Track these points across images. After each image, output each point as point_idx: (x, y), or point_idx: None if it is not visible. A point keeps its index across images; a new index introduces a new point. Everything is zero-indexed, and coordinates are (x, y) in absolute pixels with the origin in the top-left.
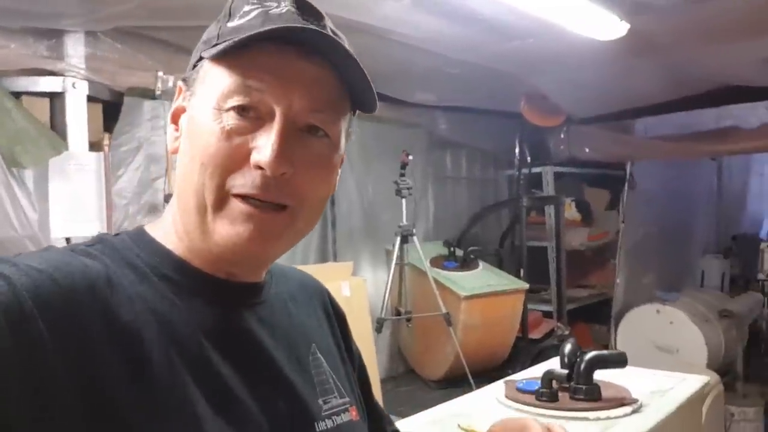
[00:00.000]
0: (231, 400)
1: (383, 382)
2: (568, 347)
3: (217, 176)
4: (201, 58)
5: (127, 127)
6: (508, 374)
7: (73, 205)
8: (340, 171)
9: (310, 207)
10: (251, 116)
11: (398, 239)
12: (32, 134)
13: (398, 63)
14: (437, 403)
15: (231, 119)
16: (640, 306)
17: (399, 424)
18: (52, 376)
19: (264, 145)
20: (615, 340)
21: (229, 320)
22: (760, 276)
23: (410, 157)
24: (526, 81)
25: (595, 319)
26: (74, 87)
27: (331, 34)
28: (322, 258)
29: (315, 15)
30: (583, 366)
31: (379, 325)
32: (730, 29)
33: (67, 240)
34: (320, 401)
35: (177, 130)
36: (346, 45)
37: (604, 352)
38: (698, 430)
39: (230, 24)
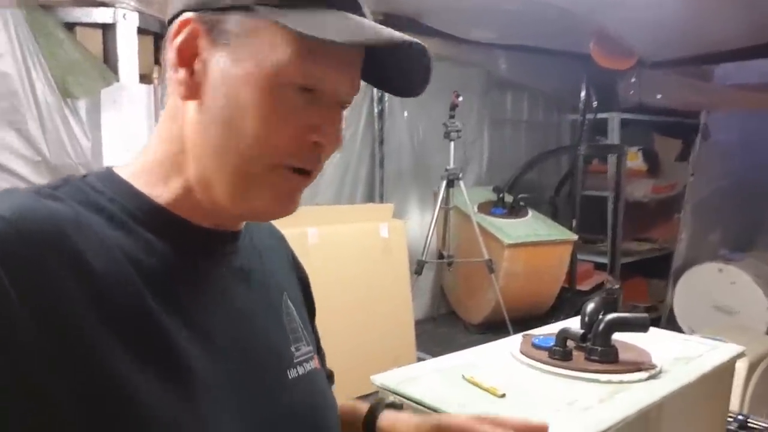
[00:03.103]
0: (209, 344)
1: (423, 322)
2: (590, 306)
3: (277, 155)
4: (249, 9)
5: None
6: (551, 323)
7: (124, 134)
8: None
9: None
10: (307, 95)
11: (444, 183)
12: (83, 65)
13: None
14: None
15: (291, 94)
16: (702, 264)
17: (408, 367)
18: (20, 329)
19: (327, 127)
20: (672, 296)
21: (206, 267)
22: None
23: (460, 99)
24: (595, 19)
25: (654, 273)
26: (125, 18)
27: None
28: (369, 197)
29: None
30: (601, 327)
31: (419, 268)
32: None
33: None
34: (293, 348)
35: (193, 74)
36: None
37: (626, 314)
38: (725, 403)
39: None
